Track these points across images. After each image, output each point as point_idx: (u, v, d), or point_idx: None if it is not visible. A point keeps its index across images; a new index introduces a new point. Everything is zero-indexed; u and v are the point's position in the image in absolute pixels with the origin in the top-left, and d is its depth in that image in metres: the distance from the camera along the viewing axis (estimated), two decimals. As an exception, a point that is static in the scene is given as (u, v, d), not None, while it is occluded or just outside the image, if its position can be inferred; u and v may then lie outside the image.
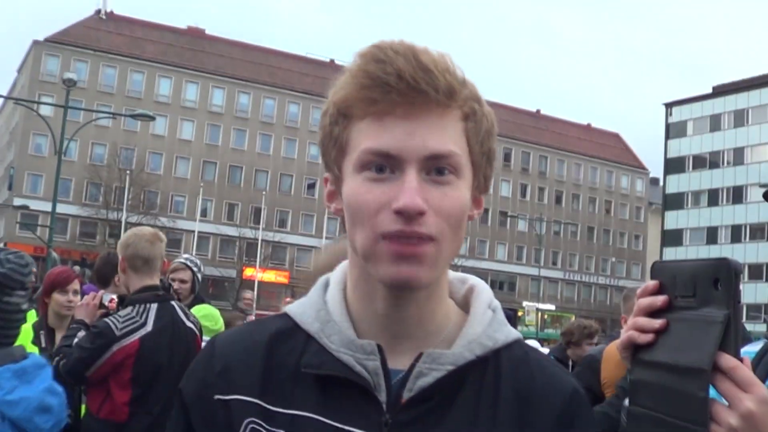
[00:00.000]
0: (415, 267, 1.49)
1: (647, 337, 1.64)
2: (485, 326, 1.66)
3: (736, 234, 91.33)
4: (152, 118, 38.97)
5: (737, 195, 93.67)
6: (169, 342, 5.48)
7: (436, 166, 1.50)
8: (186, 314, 5.79)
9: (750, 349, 2.35)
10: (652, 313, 1.66)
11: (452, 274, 1.79)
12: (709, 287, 1.57)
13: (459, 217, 1.53)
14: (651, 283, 1.68)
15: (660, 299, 1.65)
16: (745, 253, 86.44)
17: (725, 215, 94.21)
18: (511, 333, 1.70)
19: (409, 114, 1.48)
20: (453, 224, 1.52)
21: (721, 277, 1.56)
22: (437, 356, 1.57)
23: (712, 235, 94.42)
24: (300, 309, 1.70)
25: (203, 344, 4.48)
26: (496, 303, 1.75)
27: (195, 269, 7.94)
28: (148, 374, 5.32)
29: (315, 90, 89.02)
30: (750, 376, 1.55)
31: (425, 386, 1.55)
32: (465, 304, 1.74)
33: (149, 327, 5.40)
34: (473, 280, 1.80)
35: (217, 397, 1.61)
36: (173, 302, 5.74)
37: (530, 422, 1.60)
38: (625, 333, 1.70)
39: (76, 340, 5.42)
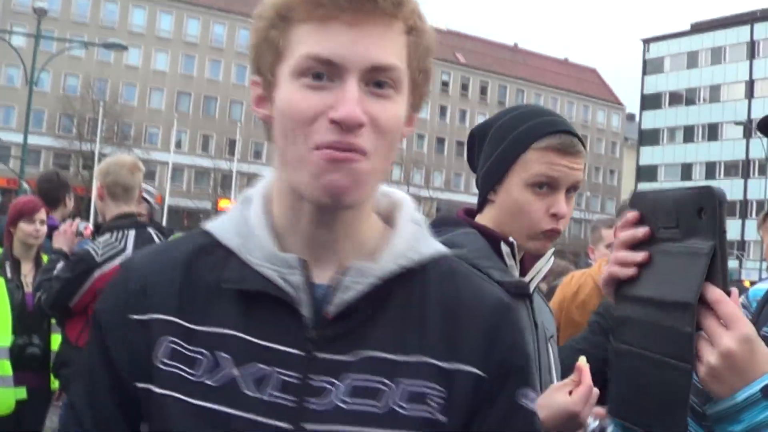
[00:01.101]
0: (348, 179, 1.44)
1: (629, 271, 1.61)
2: (410, 240, 1.61)
3: (711, 170, 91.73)
4: (125, 48, 38.43)
5: (713, 132, 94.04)
6: None
7: (376, 79, 1.45)
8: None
9: (761, 287, 2.25)
10: (635, 246, 1.63)
11: None
12: (693, 217, 1.53)
13: (395, 133, 1.49)
14: (631, 215, 1.65)
15: (641, 231, 1.61)
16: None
17: (700, 152, 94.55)
18: (439, 247, 1.65)
19: (355, 21, 1.42)
20: (389, 140, 1.48)
21: (706, 206, 1.52)
22: (363, 269, 1.53)
23: (686, 172, 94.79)
24: (220, 224, 1.65)
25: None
26: (420, 217, 1.69)
27: (149, 198, 7.86)
28: None
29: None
30: (734, 312, 1.51)
31: (350, 300, 1.51)
32: (388, 218, 1.68)
33: (129, 252, 5.39)
34: (397, 194, 1.73)
35: (133, 317, 1.56)
36: (150, 229, 5.70)
37: (457, 336, 1.56)
38: (607, 269, 1.67)
39: (56, 271, 5.40)
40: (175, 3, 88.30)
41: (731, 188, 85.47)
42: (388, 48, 1.46)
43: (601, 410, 2.37)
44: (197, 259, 1.60)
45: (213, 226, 1.65)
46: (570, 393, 2.35)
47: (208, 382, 1.49)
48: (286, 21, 1.48)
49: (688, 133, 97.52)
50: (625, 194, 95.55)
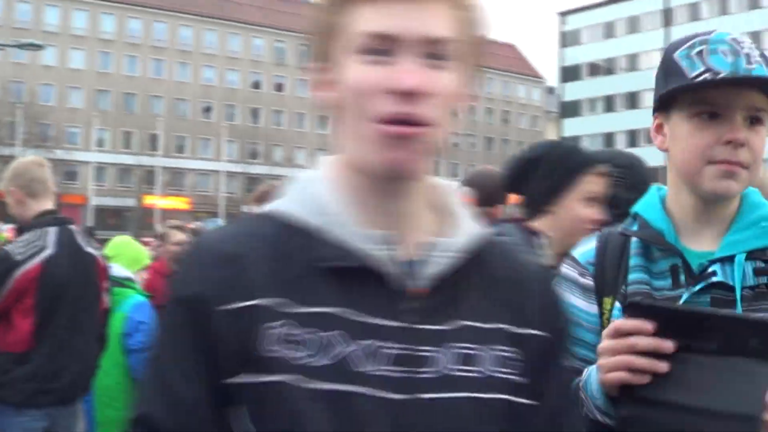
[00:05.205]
0: (411, 153, 1.52)
1: (645, 379, 1.70)
2: (471, 219, 1.70)
3: (632, 139, 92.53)
4: (41, 48, 37.88)
5: (633, 100, 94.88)
6: (70, 265, 5.43)
7: (433, 51, 1.52)
8: (85, 239, 5.70)
9: (587, 248, 2.32)
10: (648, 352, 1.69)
11: None
12: (744, 343, 1.59)
13: (454, 102, 1.59)
14: (646, 324, 1.71)
15: (666, 345, 1.68)
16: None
17: (622, 121, 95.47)
18: (487, 228, 1.75)
19: None
20: (446, 110, 1.57)
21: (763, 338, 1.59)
22: (448, 244, 1.61)
23: (609, 141, 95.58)
24: (289, 206, 1.62)
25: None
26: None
27: None
28: (51, 298, 5.27)
29: (206, 12, 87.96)
30: None
31: (442, 273, 1.58)
32: (436, 204, 1.72)
33: (50, 249, 5.36)
34: (445, 181, 1.79)
35: (228, 307, 1.52)
36: (72, 226, 5.63)
37: (521, 303, 1.68)
38: (612, 374, 1.76)
39: None
40: (89, 0, 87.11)
41: (653, 155, 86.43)
42: (442, 21, 1.52)
43: None
44: (286, 239, 1.58)
45: (282, 208, 1.63)
46: None
47: (321, 363, 1.49)
48: (344, 3, 1.55)
49: (609, 103, 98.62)
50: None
